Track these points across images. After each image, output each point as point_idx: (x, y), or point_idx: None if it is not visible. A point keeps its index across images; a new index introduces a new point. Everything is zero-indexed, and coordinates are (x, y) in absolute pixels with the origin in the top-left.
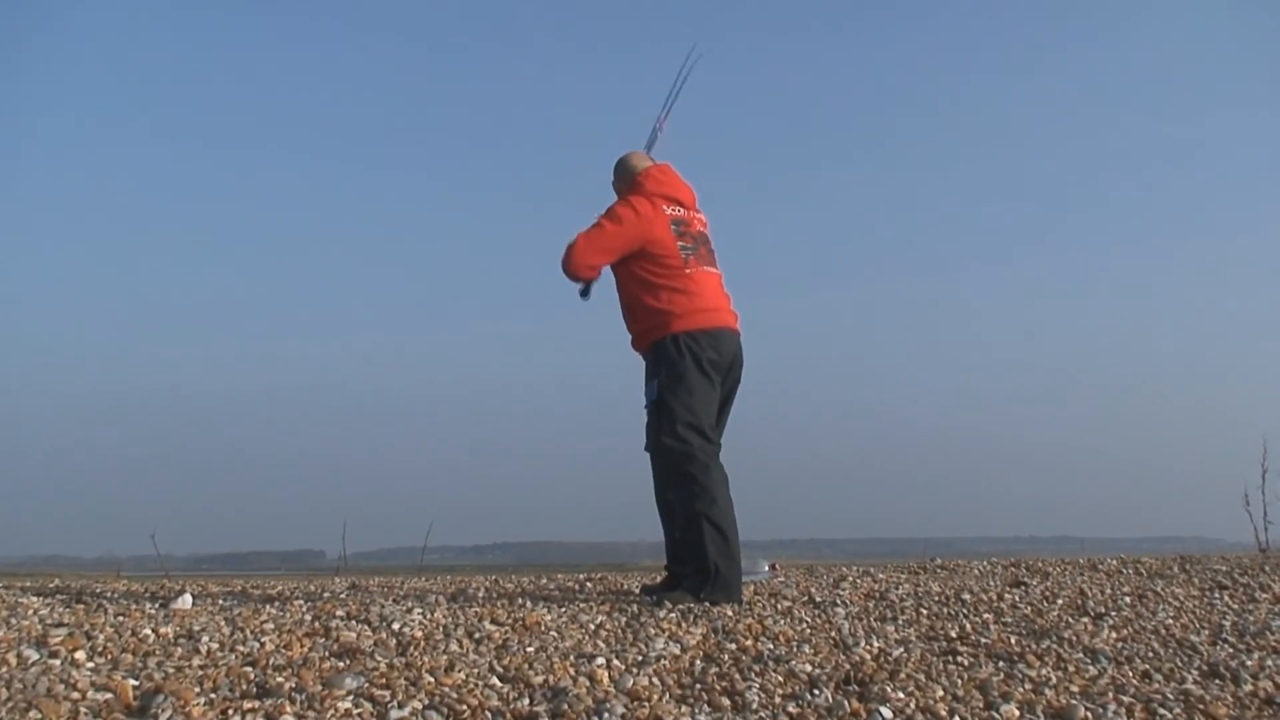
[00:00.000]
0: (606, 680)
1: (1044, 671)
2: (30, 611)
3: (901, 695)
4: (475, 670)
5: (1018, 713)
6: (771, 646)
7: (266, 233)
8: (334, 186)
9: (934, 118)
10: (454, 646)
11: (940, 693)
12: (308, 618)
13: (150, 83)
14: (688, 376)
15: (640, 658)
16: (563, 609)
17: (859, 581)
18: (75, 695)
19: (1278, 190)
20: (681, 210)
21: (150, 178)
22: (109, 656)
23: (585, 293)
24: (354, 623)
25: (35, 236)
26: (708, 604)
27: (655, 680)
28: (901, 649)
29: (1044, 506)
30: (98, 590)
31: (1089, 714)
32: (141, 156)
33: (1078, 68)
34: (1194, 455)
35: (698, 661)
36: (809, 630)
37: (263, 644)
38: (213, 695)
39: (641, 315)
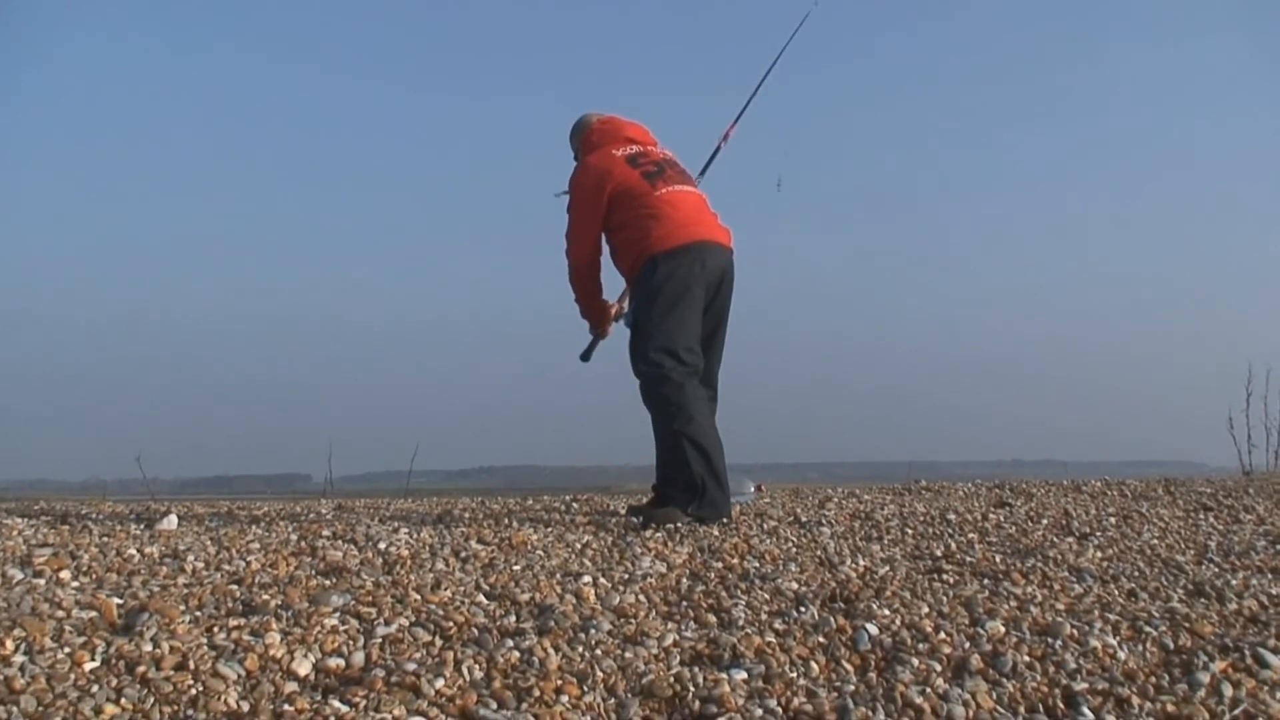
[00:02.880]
0: (593, 598)
1: (1029, 590)
2: (15, 532)
3: (887, 612)
4: (462, 588)
5: (1003, 629)
6: (757, 565)
7: (254, 162)
8: (321, 117)
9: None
10: (440, 565)
11: (925, 610)
12: (294, 537)
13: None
14: (662, 297)
15: (626, 576)
16: (549, 529)
17: (844, 502)
18: (60, 614)
19: (1260, 120)
20: (636, 146)
21: (135, 110)
22: (94, 576)
23: (586, 356)
24: (340, 542)
25: (19, 166)
26: (695, 520)
27: (641, 598)
28: (887, 567)
29: (1029, 430)
30: (83, 512)
31: (1074, 631)
32: (126, 88)
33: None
34: (1178, 379)
35: (684, 580)
36: (795, 549)
37: (248, 563)
38: (198, 613)
39: (624, 253)
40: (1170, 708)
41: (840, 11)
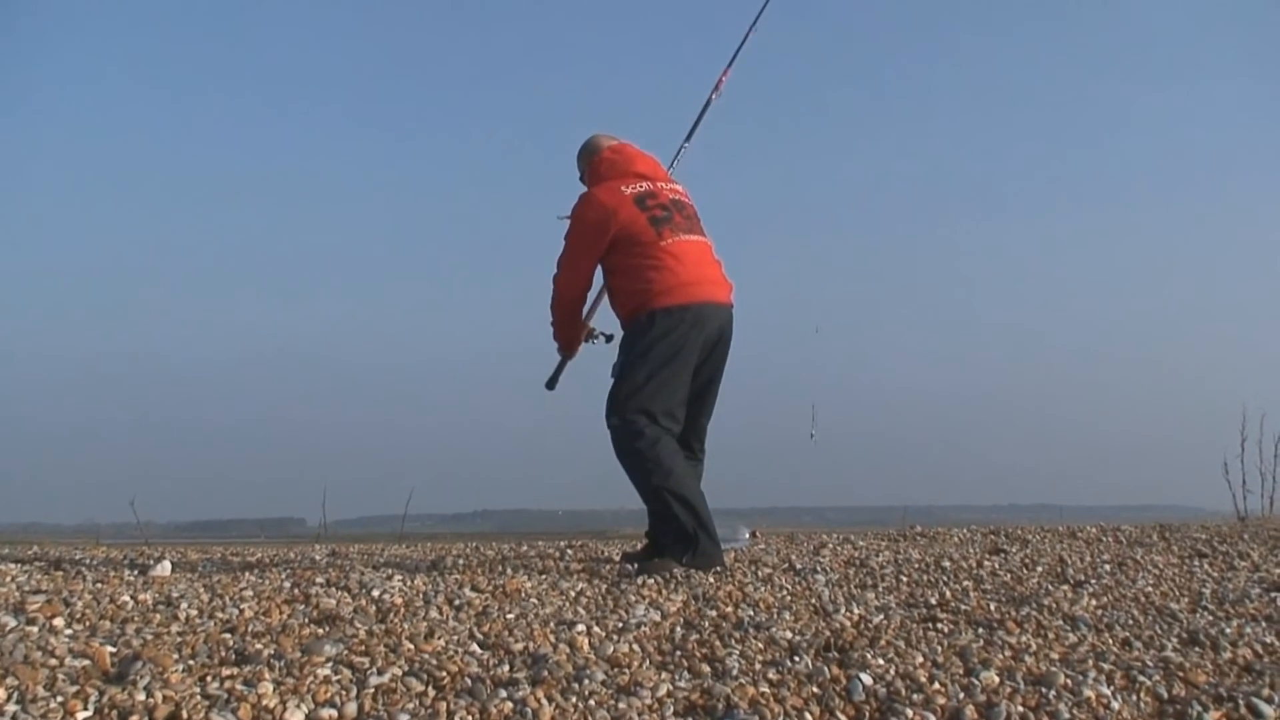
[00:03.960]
0: (587, 647)
1: (1024, 639)
2: (8, 578)
3: (882, 662)
4: (455, 637)
5: (997, 679)
6: (752, 613)
7: (247, 200)
8: (319, 153)
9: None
10: (434, 613)
11: (920, 659)
12: (287, 584)
13: (128, 33)
14: (653, 356)
15: (620, 624)
16: (543, 576)
17: (839, 549)
18: (53, 662)
19: (1251, 163)
20: (646, 184)
21: (127, 151)
22: (87, 623)
23: (609, 338)
24: (333, 589)
25: (7, 200)
26: (690, 570)
27: (635, 647)
28: (882, 616)
29: (1024, 474)
30: (77, 557)
31: (1069, 681)
32: (118, 124)
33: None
34: (1173, 424)
35: (678, 628)
36: (789, 597)
37: (242, 611)
38: (191, 662)
39: (624, 299)
40: None
41: (848, 37)
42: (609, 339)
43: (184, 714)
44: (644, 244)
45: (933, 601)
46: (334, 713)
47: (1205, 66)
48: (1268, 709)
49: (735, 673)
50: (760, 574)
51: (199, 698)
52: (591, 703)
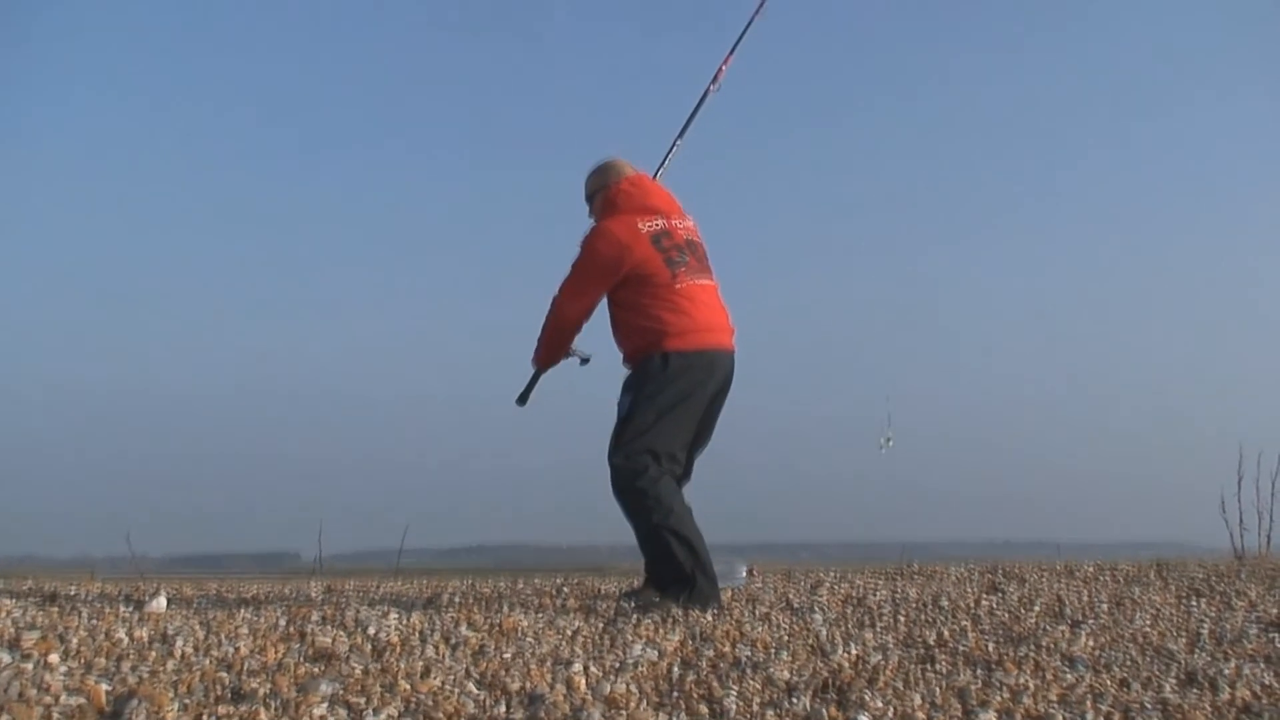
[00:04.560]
0: (584, 686)
1: (1022, 679)
2: (2, 613)
3: (880, 703)
4: (451, 676)
5: None
6: (749, 652)
7: (241, 231)
8: (312, 184)
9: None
10: (430, 651)
11: (918, 700)
12: (283, 622)
13: (133, 58)
14: (663, 397)
15: (618, 663)
16: (540, 613)
17: (836, 586)
18: (48, 699)
19: (1248, 191)
20: (662, 221)
21: (125, 186)
22: (82, 659)
23: (586, 360)
24: (329, 627)
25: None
26: (686, 608)
27: (633, 686)
28: (879, 655)
29: (1021, 510)
30: (72, 592)
31: None
32: (118, 153)
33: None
34: (1170, 460)
35: (675, 667)
36: (787, 636)
37: (237, 648)
38: (187, 700)
39: (632, 334)
40: None
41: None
42: (585, 361)
43: None
44: (658, 284)
45: (931, 641)
46: None
47: (1192, 95)
48: None
49: (733, 713)
50: (758, 612)
51: None
52: None
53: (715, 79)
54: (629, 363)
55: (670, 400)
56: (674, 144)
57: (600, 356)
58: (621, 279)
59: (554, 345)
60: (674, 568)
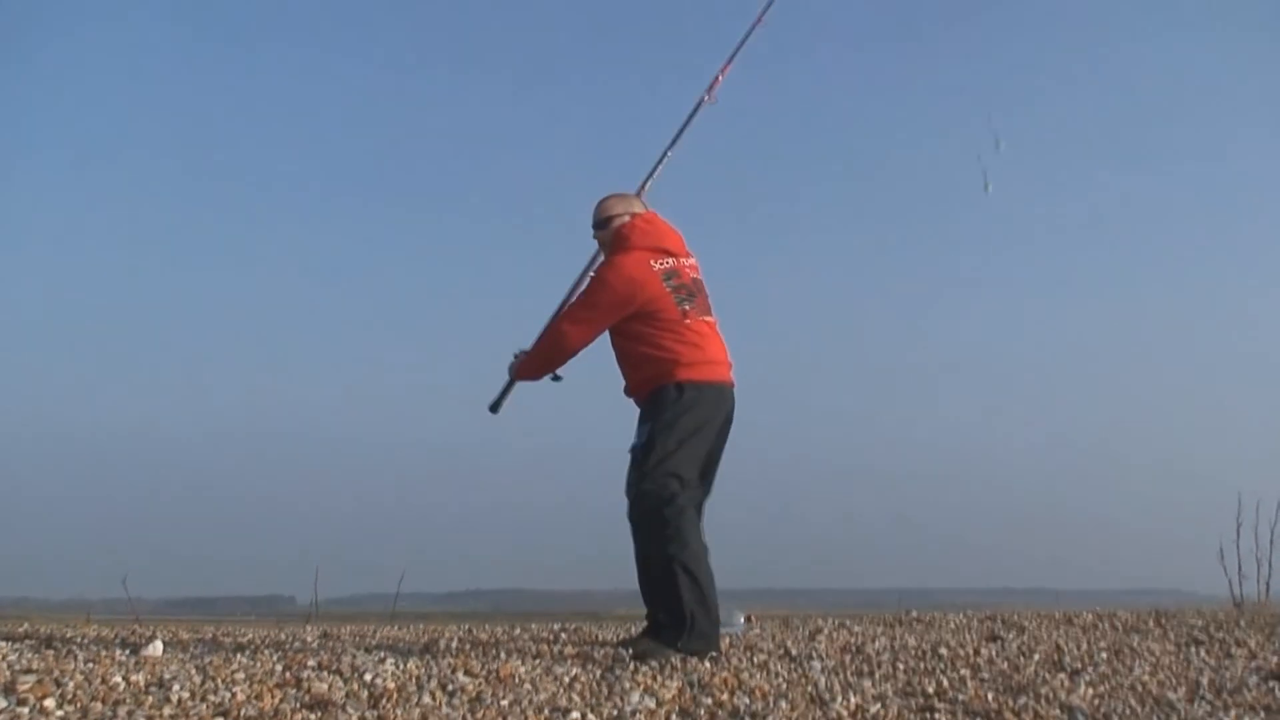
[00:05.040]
0: None
1: None
2: None
3: None
4: None
5: None
6: (747, 702)
7: (238, 275)
8: (311, 228)
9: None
10: (427, 699)
11: None
12: (279, 668)
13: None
14: (680, 425)
15: (616, 712)
16: (537, 660)
17: (835, 634)
18: None
19: (1242, 238)
20: (671, 260)
21: (126, 230)
22: (79, 704)
23: (559, 378)
24: (325, 673)
25: None
26: (684, 655)
27: None
28: (879, 705)
29: (1019, 557)
30: (68, 635)
31: None
32: (115, 197)
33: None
34: (1169, 508)
35: (673, 716)
36: (785, 685)
37: (234, 694)
38: None
39: (642, 364)
40: None
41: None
42: (558, 379)
43: None
44: (669, 321)
45: (930, 690)
46: None
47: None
48: None
49: None
50: (756, 660)
51: None
52: None
53: (710, 89)
54: (636, 394)
55: (688, 427)
56: (664, 154)
57: (590, 402)
58: (630, 314)
59: (546, 365)
60: (675, 605)
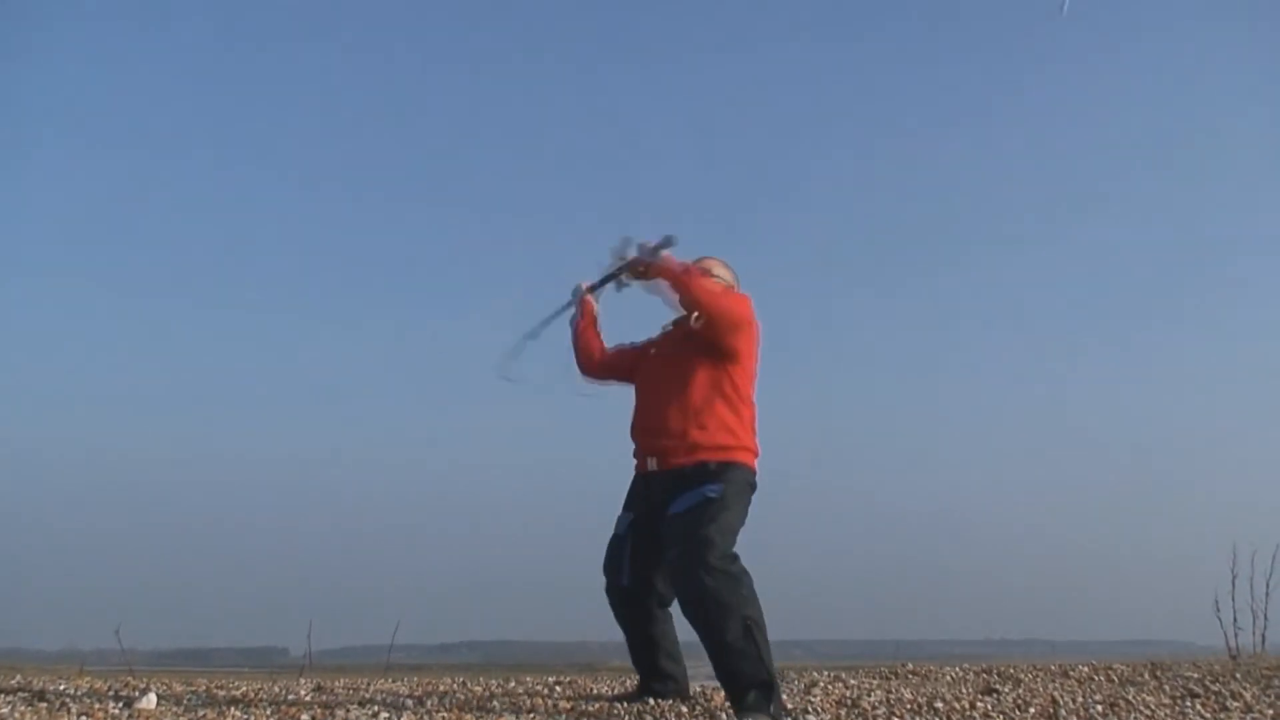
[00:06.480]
0: None
1: None
2: None
3: None
4: None
5: None
6: None
7: (236, 321)
8: (310, 274)
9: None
10: None
11: None
12: None
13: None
14: (740, 506)
15: None
16: (531, 715)
17: (830, 688)
18: None
19: (1234, 291)
20: None
21: (121, 263)
22: None
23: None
24: None
25: None
26: (678, 710)
27: None
28: None
29: (1015, 608)
30: (61, 688)
31: None
32: (100, 225)
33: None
34: (1164, 559)
35: None
36: None
37: None
38: None
39: (723, 430)
40: None
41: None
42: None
43: None
44: (747, 395)
45: None
46: None
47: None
48: None
49: None
50: None
51: None
52: None
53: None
54: (692, 448)
55: (743, 512)
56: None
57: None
58: (736, 351)
59: (688, 293)
60: (761, 668)
